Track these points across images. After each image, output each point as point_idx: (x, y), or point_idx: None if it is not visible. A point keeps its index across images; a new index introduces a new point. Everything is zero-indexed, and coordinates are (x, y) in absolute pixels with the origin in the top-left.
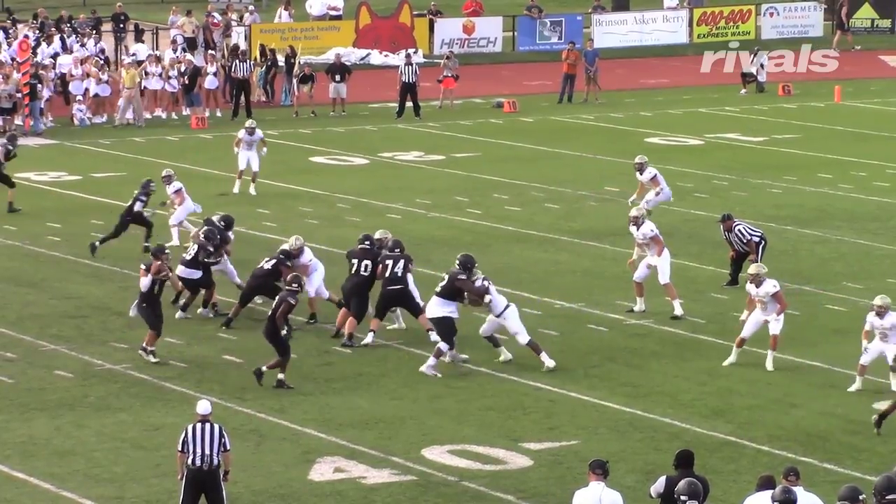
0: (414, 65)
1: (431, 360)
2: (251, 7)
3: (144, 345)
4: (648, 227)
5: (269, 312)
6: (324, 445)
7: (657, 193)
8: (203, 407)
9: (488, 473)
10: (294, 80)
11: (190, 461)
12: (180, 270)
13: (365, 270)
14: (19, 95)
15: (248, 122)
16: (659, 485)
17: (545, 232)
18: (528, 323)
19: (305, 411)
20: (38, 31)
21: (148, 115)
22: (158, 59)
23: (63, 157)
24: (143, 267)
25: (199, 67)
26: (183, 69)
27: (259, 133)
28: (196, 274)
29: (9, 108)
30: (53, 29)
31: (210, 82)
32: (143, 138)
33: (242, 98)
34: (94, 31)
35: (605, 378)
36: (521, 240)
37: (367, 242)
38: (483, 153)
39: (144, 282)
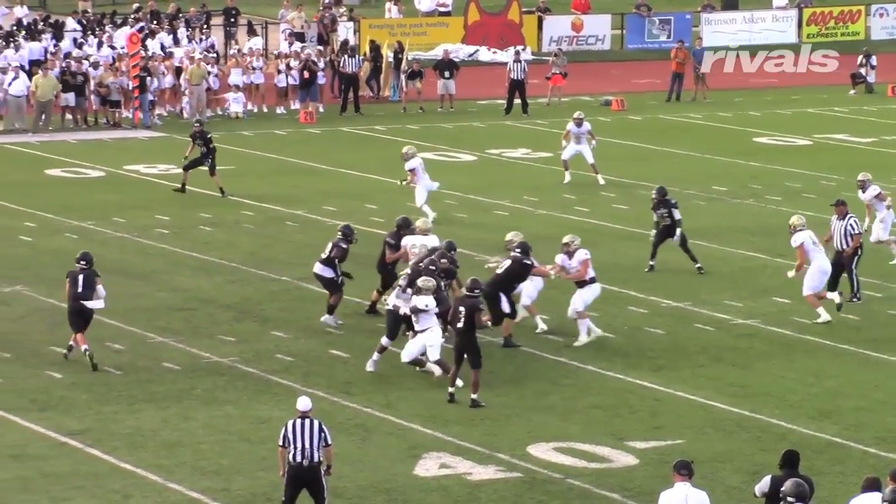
0: (523, 62)
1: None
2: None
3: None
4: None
5: (461, 324)
6: (430, 441)
7: (888, 208)
8: (303, 403)
9: (593, 471)
10: (402, 76)
11: (291, 457)
12: (316, 268)
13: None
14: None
15: (577, 114)
16: (764, 484)
17: (653, 230)
18: (634, 322)
19: (412, 407)
20: (148, 24)
21: (253, 108)
22: (263, 54)
23: (172, 149)
24: None
25: (316, 62)
26: (301, 63)
27: (587, 125)
28: (328, 273)
29: (117, 100)
30: (158, 23)
31: (321, 77)
32: (252, 132)
33: (351, 94)
34: (206, 26)
35: (712, 378)
36: (629, 238)
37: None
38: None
39: None
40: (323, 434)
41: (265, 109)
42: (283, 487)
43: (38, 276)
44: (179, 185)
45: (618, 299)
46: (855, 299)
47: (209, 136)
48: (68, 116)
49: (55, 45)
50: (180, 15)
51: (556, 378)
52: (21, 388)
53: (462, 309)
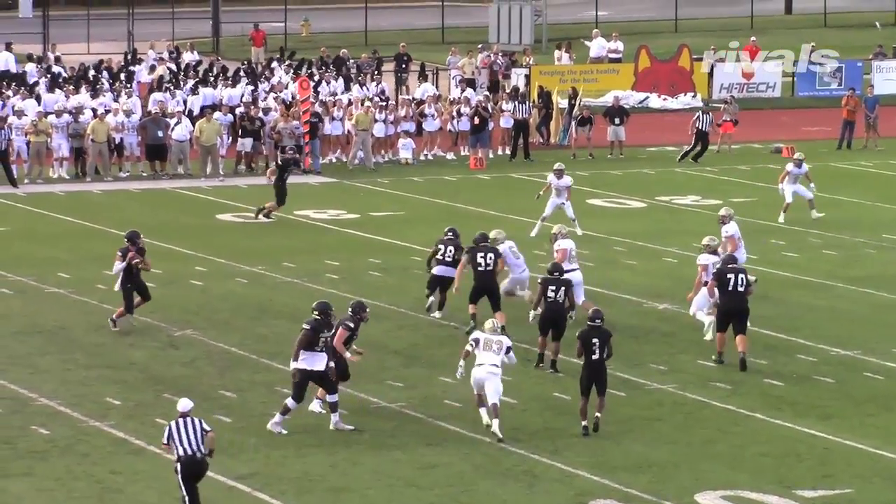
0: (711, 113)
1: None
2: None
3: (114, 316)
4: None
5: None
6: (597, 488)
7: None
8: (183, 405)
9: None
10: (573, 122)
11: (181, 451)
12: (438, 269)
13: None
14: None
15: (797, 155)
16: None
17: (823, 278)
18: (803, 369)
19: (578, 453)
20: (320, 70)
21: (429, 156)
22: (437, 99)
23: (343, 195)
24: (118, 253)
25: (486, 107)
26: (472, 109)
27: (805, 167)
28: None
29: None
30: (327, 68)
31: (504, 121)
32: (421, 178)
33: (521, 140)
34: (377, 72)
35: (882, 427)
36: (798, 286)
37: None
38: (760, 198)
39: (118, 266)
40: (203, 428)
41: (435, 155)
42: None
43: (208, 321)
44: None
45: (787, 347)
46: None
47: None
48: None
49: (230, 87)
50: (351, 60)
51: (725, 426)
52: None
53: (596, 340)
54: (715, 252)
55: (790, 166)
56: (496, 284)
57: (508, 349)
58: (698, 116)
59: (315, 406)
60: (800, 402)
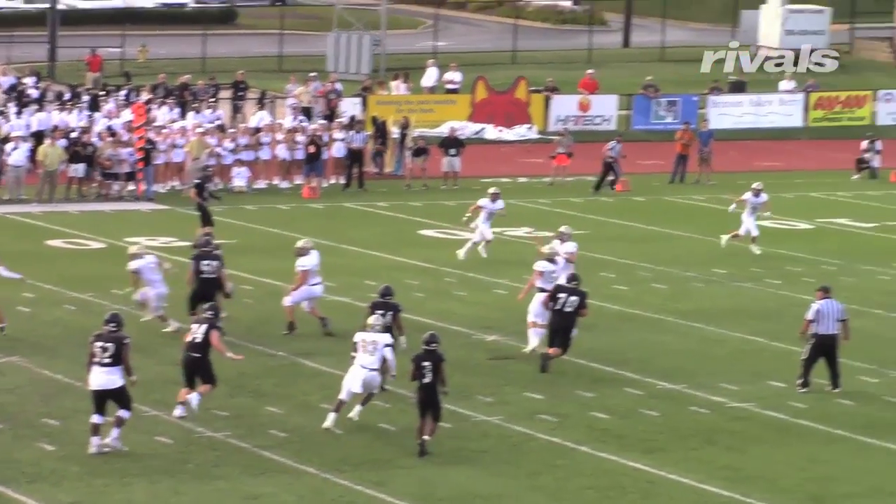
0: (618, 147)
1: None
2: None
3: None
4: None
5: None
6: None
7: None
8: None
9: None
10: (407, 153)
11: None
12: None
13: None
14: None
15: (756, 185)
16: None
17: (652, 312)
18: (629, 403)
19: (404, 484)
20: (154, 96)
21: (263, 185)
22: (274, 128)
23: (176, 222)
24: None
25: (321, 136)
26: (308, 138)
27: (764, 196)
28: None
29: (116, 173)
30: (166, 95)
31: (337, 150)
32: (255, 206)
33: (355, 169)
34: (214, 99)
35: (705, 461)
36: (627, 319)
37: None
38: (593, 231)
39: None
40: None
41: (269, 184)
42: None
43: (34, 347)
44: None
45: (614, 380)
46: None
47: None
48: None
49: (66, 113)
50: (189, 88)
51: (550, 458)
52: (13, 459)
53: (427, 363)
54: (552, 260)
55: (748, 195)
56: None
57: (387, 346)
58: (612, 146)
59: (178, 411)
60: (625, 436)
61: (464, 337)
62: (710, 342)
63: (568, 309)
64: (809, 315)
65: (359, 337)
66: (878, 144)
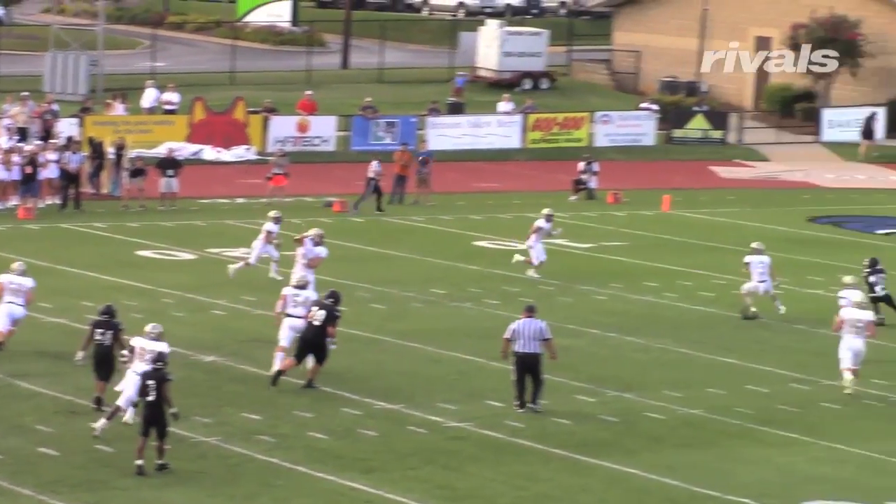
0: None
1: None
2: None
3: None
4: None
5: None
6: None
7: None
8: None
9: None
10: (124, 173)
11: None
12: None
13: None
14: None
15: (546, 210)
16: None
17: (371, 332)
18: (347, 423)
19: None
20: None
21: None
22: None
23: None
24: None
25: (37, 156)
26: (25, 158)
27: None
28: None
29: None
30: None
31: (51, 171)
32: None
33: (72, 190)
34: None
35: (423, 480)
36: (347, 340)
37: None
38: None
39: None
40: None
41: None
42: None
43: None
44: None
45: (332, 400)
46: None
47: None
48: None
49: None
50: None
51: (268, 479)
52: None
53: (152, 382)
54: (302, 287)
55: (541, 222)
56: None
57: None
58: (374, 167)
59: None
60: (343, 456)
61: (181, 357)
62: (428, 362)
63: (316, 322)
64: (506, 334)
65: (136, 343)
66: (595, 166)
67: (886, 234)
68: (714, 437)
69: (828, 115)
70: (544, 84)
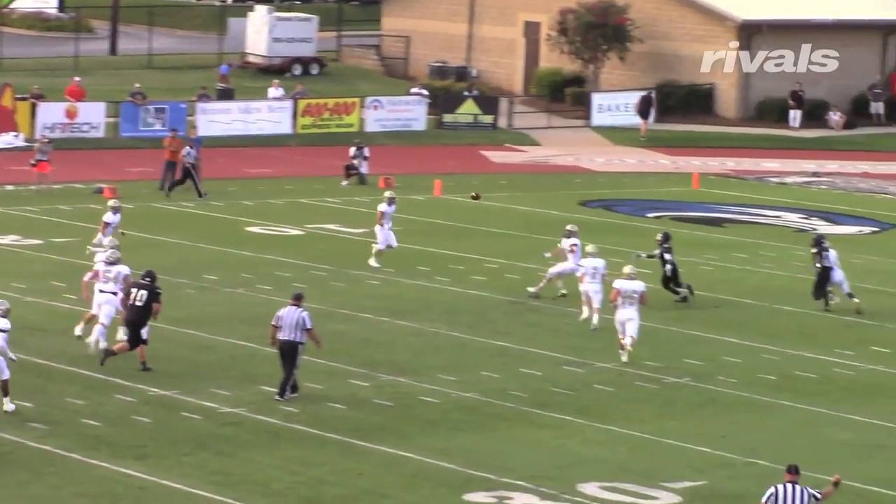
0: (195, 150)
1: None
2: None
3: None
4: None
5: None
6: None
7: None
8: None
9: None
10: None
11: None
12: None
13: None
14: None
15: (388, 193)
16: None
17: None
18: (120, 409)
19: None
20: None
21: None
22: None
23: None
24: None
25: None
26: None
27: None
28: None
29: None
30: None
31: None
32: None
33: None
34: None
35: (198, 466)
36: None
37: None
38: (84, 238)
39: None
40: None
41: None
42: None
43: None
44: None
45: (105, 387)
46: None
47: None
48: None
49: None
50: None
51: (40, 466)
52: None
53: None
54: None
55: (383, 206)
56: None
57: None
58: (187, 152)
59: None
60: (117, 443)
61: None
62: (201, 348)
63: (139, 304)
64: (273, 321)
65: None
66: (367, 151)
67: (656, 217)
68: (489, 420)
69: (597, 99)
70: (314, 70)
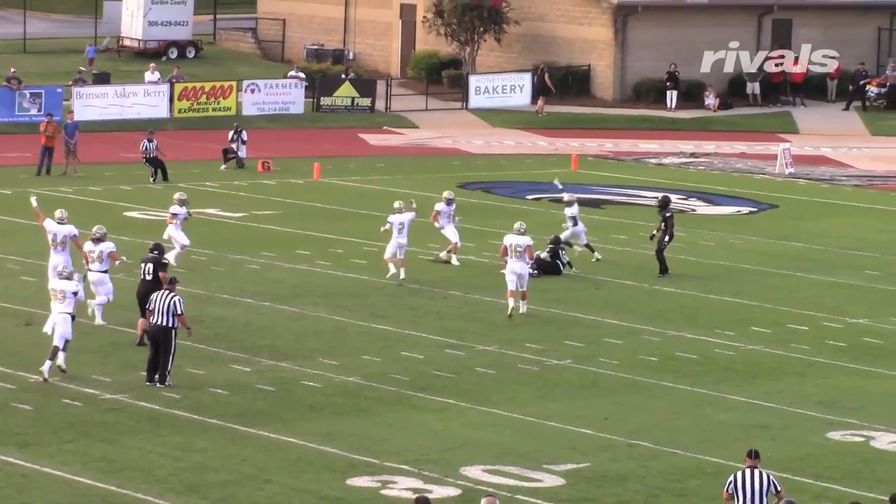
0: (155, 141)
1: None
2: None
3: None
4: None
5: None
6: None
7: None
8: None
9: None
10: None
11: None
12: None
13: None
14: None
15: (447, 193)
16: None
17: (20, 305)
18: (5, 398)
19: None
20: None
21: None
22: None
23: None
24: None
25: None
26: None
27: (454, 205)
28: None
29: None
30: None
31: None
32: None
33: None
34: None
35: (79, 453)
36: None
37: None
38: None
39: None
40: None
41: None
42: None
43: None
44: None
45: None
46: None
47: None
48: None
49: None
50: None
51: None
52: None
53: None
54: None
55: (440, 205)
56: None
57: None
58: (145, 146)
59: None
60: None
61: None
62: (81, 334)
63: (148, 277)
64: (148, 306)
65: None
66: (245, 135)
67: (535, 199)
68: (371, 404)
69: (474, 81)
70: (191, 53)
